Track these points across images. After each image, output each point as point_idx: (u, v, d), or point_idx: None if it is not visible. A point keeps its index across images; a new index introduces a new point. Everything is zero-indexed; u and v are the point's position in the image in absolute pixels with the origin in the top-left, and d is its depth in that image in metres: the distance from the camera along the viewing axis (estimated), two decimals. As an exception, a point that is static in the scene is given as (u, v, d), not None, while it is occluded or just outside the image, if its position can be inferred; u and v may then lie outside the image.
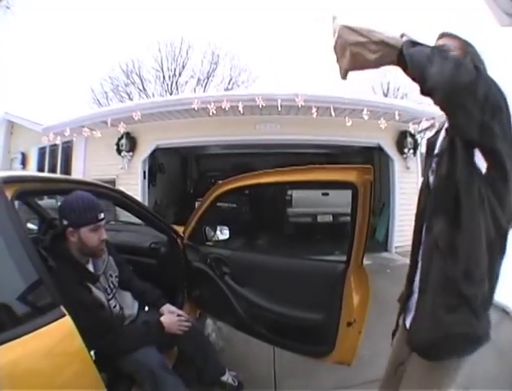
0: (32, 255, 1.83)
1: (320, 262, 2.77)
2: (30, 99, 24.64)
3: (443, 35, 1.71)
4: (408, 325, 1.68)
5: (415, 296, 1.66)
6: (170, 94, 23.69)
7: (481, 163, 1.39)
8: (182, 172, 15.87)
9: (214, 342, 3.92)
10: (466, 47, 1.66)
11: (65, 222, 2.42)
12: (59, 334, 1.79)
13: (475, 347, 1.48)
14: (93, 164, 11.11)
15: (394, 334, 1.90)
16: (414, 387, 1.60)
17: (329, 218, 9.82)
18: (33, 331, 1.65)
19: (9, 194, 1.93)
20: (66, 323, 1.79)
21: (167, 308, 2.92)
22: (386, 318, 1.83)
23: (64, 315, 1.80)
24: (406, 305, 1.76)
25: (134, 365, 2.47)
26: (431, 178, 1.65)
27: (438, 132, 1.75)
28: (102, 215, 2.49)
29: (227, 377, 3.16)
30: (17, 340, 1.58)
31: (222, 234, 3.79)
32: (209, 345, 3.20)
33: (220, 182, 3.31)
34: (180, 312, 2.92)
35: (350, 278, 2.52)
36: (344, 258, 2.60)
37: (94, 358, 1.99)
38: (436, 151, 1.67)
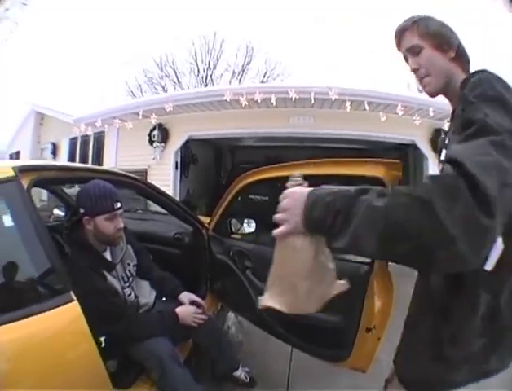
0: (45, 242, 1.87)
1: (342, 262, 2.65)
2: (61, 92, 25.19)
3: (402, 30, 1.54)
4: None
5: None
6: (205, 86, 23.71)
7: None
8: (215, 163, 15.89)
9: (233, 336, 3.91)
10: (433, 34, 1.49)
11: (81, 211, 2.44)
12: (66, 318, 1.84)
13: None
14: (125, 154, 11.33)
15: None
16: None
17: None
18: (40, 312, 1.72)
19: (25, 182, 1.97)
20: (73, 308, 1.83)
21: (186, 295, 2.90)
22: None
23: (72, 300, 1.84)
24: None
25: (144, 353, 2.47)
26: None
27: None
28: (118, 204, 2.48)
29: (240, 373, 3.12)
30: (25, 320, 1.66)
31: (249, 227, 3.73)
32: (225, 339, 3.17)
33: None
34: (199, 300, 2.91)
35: (373, 282, 2.41)
36: (368, 260, 2.49)
37: (103, 344, 2.06)
38: (442, 157, 1.49)
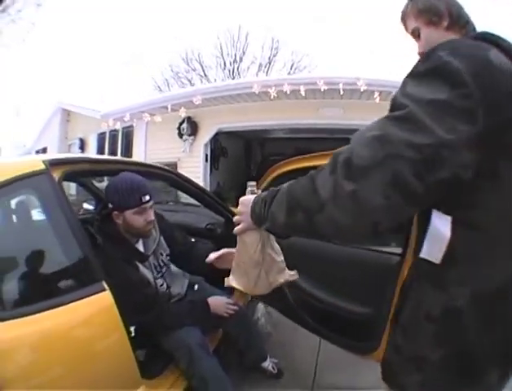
0: (77, 233, 1.92)
1: (374, 253, 2.63)
2: (86, 89, 25.57)
3: (403, 16, 1.51)
4: None
5: None
6: (232, 79, 23.74)
7: None
8: (245, 155, 15.92)
9: (262, 327, 3.92)
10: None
11: (110, 205, 2.46)
12: (98, 307, 1.89)
13: None
14: (154, 147, 11.49)
15: None
16: None
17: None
18: (73, 301, 1.79)
19: (56, 175, 2.02)
20: (105, 297, 1.89)
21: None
22: None
23: (104, 290, 1.89)
24: None
25: (174, 343, 2.49)
26: None
27: None
28: (147, 197, 2.45)
29: (268, 364, 3.13)
30: (59, 309, 1.72)
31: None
32: (255, 330, 3.19)
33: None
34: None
35: (404, 273, 2.37)
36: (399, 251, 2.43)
37: (133, 334, 2.06)
38: None
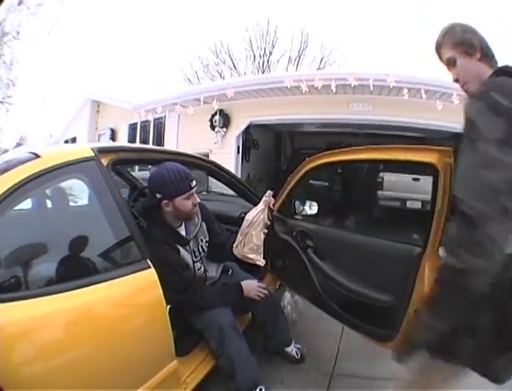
0: (125, 214, 2.10)
1: (397, 244, 2.72)
2: (116, 80, 25.86)
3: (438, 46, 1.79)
4: None
5: None
6: (262, 72, 23.74)
7: None
8: (276, 148, 15.93)
9: (287, 314, 3.98)
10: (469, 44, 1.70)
11: (159, 196, 2.58)
12: (143, 282, 2.08)
13: None
14: (186, 138, 11.66)
15: None
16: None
17: (418, 205, 9.53)
18: (122, 276, 1.97)
19: (105, 161, 2.20)
20: (150, 274, 2.06)
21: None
22: None
23: (149, 267, 2.07)
24: None
25: (207, 322, 2.64)
26: None
27: None
28: (194, 182, 2.63)
29: (292, 349, 3.25)
30: (108, 282, 1.90)
31: (311, 209, 3.83)
32: (282, 316, 3.27)
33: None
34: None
35: (424, 264, 2.44)
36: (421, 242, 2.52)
37: (168, 312, 2.19)
38: None
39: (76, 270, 1.94)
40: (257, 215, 2.89)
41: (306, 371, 3.22)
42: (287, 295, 4.24)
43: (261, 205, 2.97)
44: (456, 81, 1.73)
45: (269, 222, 3.02)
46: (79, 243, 2.01)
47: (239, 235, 2.91)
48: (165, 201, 2.58)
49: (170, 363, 2.22)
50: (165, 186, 2.54)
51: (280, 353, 3.26)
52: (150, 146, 5.28)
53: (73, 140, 18.69)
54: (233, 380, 2.60)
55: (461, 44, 1.68)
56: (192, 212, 2.70)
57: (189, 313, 2.70)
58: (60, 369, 1.67)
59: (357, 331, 2.87)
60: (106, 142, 12.99)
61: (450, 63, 1.72)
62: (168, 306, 2.20)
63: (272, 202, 3.17)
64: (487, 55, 1.69)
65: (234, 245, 2.93)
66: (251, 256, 2.85)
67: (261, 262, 2.89)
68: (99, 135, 17.16)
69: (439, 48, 1.77)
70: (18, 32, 17.33)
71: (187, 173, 2.63)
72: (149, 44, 42.71)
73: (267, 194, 3.00)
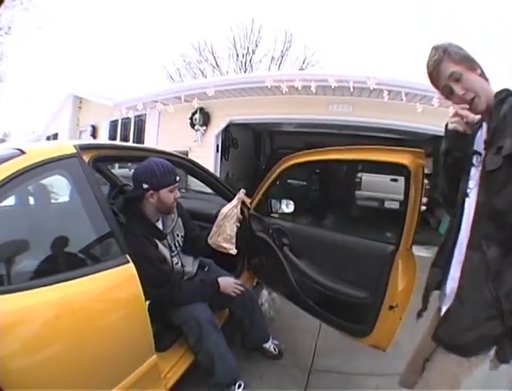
0: (105, 210, 2.13)
1: (371, 242, 2.78)
2: (98, 77, 25.65)
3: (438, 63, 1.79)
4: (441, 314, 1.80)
5: (451, 285, 1.77)
6: (245, 71, 23.80)
7: None
8: (255, 148, 16.09)
9: (265, 311, 4.04)
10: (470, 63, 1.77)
11: (145, 186, 2.65)
12: (122, 277, 2.09)
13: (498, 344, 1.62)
14: (166, 136, 11.59)
15: (420, 314, 2.00)
16: (438, 380, 1.75)
17: (396, 205, 9.65)
18: (100, 271, 1.98)
19: (86, 158, 2.23)
20: (129, 269, 2.08)
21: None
22: (430, 315, 1.90)
23: (128, 262, 2.09)
24: (442, 289, 1.87)
25: (184, 317, 2.69)
26: (473, 174, 1.77)
27: (477, 123, 1.79)
28: (178, 177, 2.75)
29: (270, 345, 3.32)
30: (87, 277, 1.92)
31: (288, 207, 3.89)
32: (259, 312, 3.31)
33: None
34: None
35: (398, 261, 2.52)
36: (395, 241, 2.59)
37: (147, 308, 2.22)
38: (474, 147, 1.79)
39: (56, 264, 1.96)
40: (231, 209, 3.07)
41: (284, 366, 3.29)
42: (264, 292, 4.27)
43: (235, 201, 3.13)
44: (463, 95, 1.73)
45: (241, 217, 3.17)
46: (60, 238, 2.03)
47: (214, 226, 3.07)
48: (150, 192, 2.65)
49: (150, 358, 2.25)
50: (154, 177, 2.62)
51: (258, 350, 3.31)
52: (130, 144, 5.28)
53: (55, 136, 18.44)
54: (212, 376, 2.65)
55: (465, 59, 1.75)
56: (172, 205, 2.78)
57: (167, 307, 2.74)
58: (42, 363, 1.69)
59: (333, 327, 2.93)
60: (87, 139, 12.87)
61: (454, 78, 1.74)
62: (147, 302, 2.23)
63: (246, 199, 3.39)
64: (483, 72, 1.78)
65: (209, 236, 3.08)
66: (224, 244, 3.02)
67: (233, 251, 3.05)
68: (81, 132, 16.96)
69: (437, 67, 1.77)
70: (10, 28, 17.13)
71: (173, 168, 2.74)
72: (133, 41, 42.33)
73: (240, 191, 3.19)
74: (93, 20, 41.03)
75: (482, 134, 1.75)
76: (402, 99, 8.69)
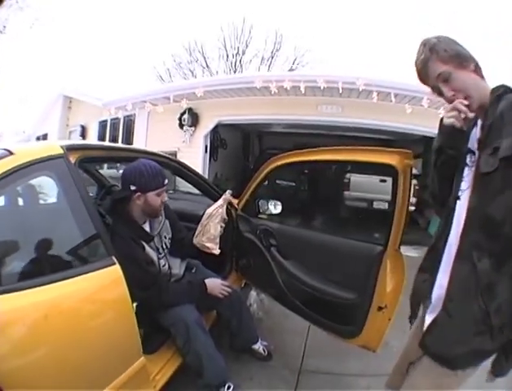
0: (91, 212, 2.11)
1: (359, 243, 2.79)
2: (89, 77, 25.56)
3: (425, 63, 1.67)
4: (426, 324, 1.71)
5: (438, 292, 1.68)
6: (234, 72, 23.77)
7: None
8: (244, 148, 16.10)
9: (253, 312, 4.06)
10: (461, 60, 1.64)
11: (133, 187, 2.61)
12: (108, 279, 2.07)
13: (488, 358, 1.57)
14: (154, 136, 11.57)
15: (411, 321, 1.95)
16: (422, 387, 1.69)
17: (385, 206, 9.67)
18: (86, 273, 1.96)
19: (73, 159, 2.20)
20: (115, 271, 2.06)
21: None
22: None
23: (114, 264, 2.07)
24: (428, 296, 1.75)
25: (172, 319, 2.67)
26: (466, 174, 1.65)
27: (471, 120, 1.67)
28: (166, 180, 2.71)
29: (259, 346, 3.30)
30: (73, 279, 1.90)
31: (276, 208, 3.88)
32: (247, 313, 3.30)
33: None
34: None
35: (386, 262, 2.53)
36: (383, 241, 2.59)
37: (135, 310, 2.21)
38: (469, 145, 1.67)
39: (42, 266, 1.94)
40: (216, 209, 3.04)
41: (274, 367, 3.27)
42: (253, 293, 4.29)
43: (220, 201, 3.09)
44: (453, 96, 1.61)
45: (226, 218, 3.11)
46: (46, 240, 2.01)
47: (199, 226, 3.03)
48: (138, 194, 2.62)
49: (138, 360, 2.23)
50: (142, 179, 2.59)
51: (247, 351, 3.29)
52: (117, 144, 5.28)
53: (45, 137, 18.14)
54: (201, 377, 2.64)
55: (455, 57, 1.61)
56: (159, 209, 2.75)
57: (155, 309, 2.72)
58: (29, 366, 1.67)
59: (322, 328, 2.93)
60: (76, 140, 12.79)
61: (442, 79, 1.62)
62: (135, 304, 2.22)
63: (233, 200, 3.42)
64: (478, 67, 1.65)
65: (194, 235, 3.04)
66: (208, 244, 2.97)
67: (216, 251, 3.00)
68: (70, 132, 16.73)
69: (424, 66, 1.65)
70: (4, 27, 16.97)
71: (162, 171, 2.70)
72: (124, 41, 42.10)
73: (226, 192, 3.16)
74: (84, 20, 40.59)
75: (476, 132, 1.64)
76: (391, 100, 8.72)
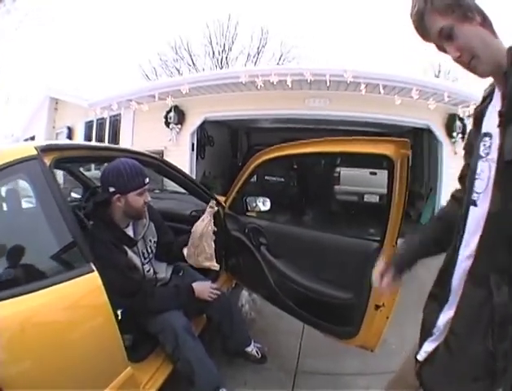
0: (66, 216, 1.99)
1: (353, 240, 2.70)
2: (74, 77, 25.41)
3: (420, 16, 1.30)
4: (425, 350, 1.45)
5: (446, 316, 1.37)
6: (221, 69, 23.71)
7: None
8: (231, 145, 16.04)
9: (246, 313, 3.98)
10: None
11: (112, 189, 2.50)
12: (86, 287, 1.97)
13: None
14: (141, 136, 11.47)
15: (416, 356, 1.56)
16: None
17: (376, 199, 9.65)
18: (62, 282, 1.85)
19: (47, 161, 2.08)
20: (93, 278, 1.96)
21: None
22: (420, 308, 1.71)
23: (92, 271, 1.96)
24: (432, 328, 1.44)
25: (160, 325, 2.56)
26: (479, 167, 1.30)
27: (484, 99, 1.38)
28: (147, 179, 2.59)
29: (252, 348, 3.20)
30: (47, 289, 1.78)
31: (264, 205, 3.79)
32: (237, 315, 3.23)
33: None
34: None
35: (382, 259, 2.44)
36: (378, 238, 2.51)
37: (120, 317, 2.14)
38: (483, 130, 1.32)
39: (14, 276, 1.82)
40: (205, 227, 2.96)
41: (269, 370, 3.18)
42: (244, 293, 4.21)
43: (207, 217, 3.00)
44: (459, 58, 1.26)
45: (216, 229, 3.04)
46: (19, 247, 1.91)
47: (190, 246, 2.97)
48: (117, 195, 2.50)
49: (125, 370, 2.14)
50: (120, 179, 2.47)
51: (240, 354, 3.19)
52: (96, 143, 5.22)
53: (32, 139, 17.99)
54: (193, 385, 2.54)
55: (456, 6, 1.23)
56: (142, 210, 2.64)
57: (141, 316, 2.62)
58: (4, 382, 1.56)
59: (318, 329, 2.85)
60: (49, 140, 12.66)
61: (445, 36, 1.26)
62: (119, 311, 2.15)
63: (220, 198, 3.39)
64: (487, 18, 1.26)
65: (186, 255, 3.02)
66: (207, 264, 2.96)
67: (216, 267, 3.01)
68: (57, 134, 16.53)
69: (420, 19, 1.29)
70: None
71: (142, 169, 2.58)
72: (110, 40, 41.94)
73: (210, 204, 3.06)
74: (70, 21, 40.31)
75: (496, 105, 1.26)
76: (380, 92, 8.69)
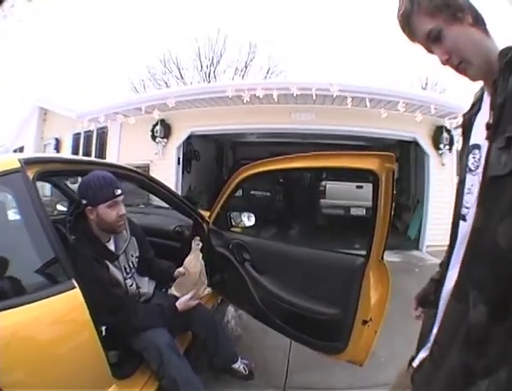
0: (48, 231, 1.96)
1: (338, 255, 2.69)
2: (64, 88, 25.35)
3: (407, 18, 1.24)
4: (417, 362, 1.40)
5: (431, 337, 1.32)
6: (208, 82, 23.80)
7: None
8: (217, 159, 16.01)
9: (232, 329, 3.95)
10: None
11: (84, 201, 2.49)
12: (67, 304, 1.94)
13: None
14: (127, 149, 11.41)
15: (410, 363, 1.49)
16: None
17: (362, 212, 9.68)
18: (42, 299, 1.82)
19: (30, 174, 2.06)
20: (75, 295, 1.92)
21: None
22: (408, 320, 1.68)
23: (73, 287, 1.93)
24: (428, 336, 1.37)
25: (144, 343, 2.51)
26: (469, 181, 1.25)
27: (473, 106, 1.32)
28: (118, 191, 2.54)
29: (239, 365, 3.11)
30: (28, 306, 1.75)
31: (249, 220, 3.77)
32: (222, 332, 3.17)
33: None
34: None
35: (369, 274, 2.43)
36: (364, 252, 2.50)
37: (104, 333, 2.12)
38: (471, 141, 1.27)
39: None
40: (199, 273, 2.88)
41: (256, 386, 3.13)
42: (230, 308, 4.16)
43: (195, 262, 2.91)
44: (447, 61, 1.20)
45: (203, 263, 2.95)
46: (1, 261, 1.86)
47: (187, 294, 2.81)
48: (89, 208, 2.49)
49: (110, 388, 2.10)
50: (89, 191, 2.46)
51: (227, 371, 3.11)
52: (79, 157, 5.19)
53: (21, 149, 17.85)
54: None
55: (444, 7, 1.17)
56: (116, 223, 2.58)
57: (125, 334, 2.56)
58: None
59: (305, 345, 2.82)
60: (35, 153, 12.57)
61: (433, 39, 1.20)
62: (104, 327, 2.13)
63: (204, 214, 3.40)
64: (479, 17, 1.21)
65: (184, 298, 2.82)
66: (205, 293, 2.94)
67: (209, 290, 2.99)
68: (45, 145, 16.36)
69: (407, 20, 1.24)
70: None
71: (112, 181, 2.54)
72: (99, 52, 41.97)
73: (196, 242, 2.95)
74: (61, 31, 40.27)
75: (485, 113, 1.17)
76: (366, 105, 8.74)
